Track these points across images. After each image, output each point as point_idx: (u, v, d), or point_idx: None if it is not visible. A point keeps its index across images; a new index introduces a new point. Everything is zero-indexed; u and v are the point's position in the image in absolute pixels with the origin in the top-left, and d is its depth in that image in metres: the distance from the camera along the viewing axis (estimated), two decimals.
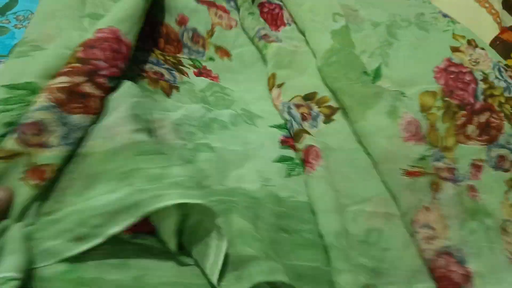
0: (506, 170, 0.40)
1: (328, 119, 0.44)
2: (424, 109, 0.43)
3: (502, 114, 0.43)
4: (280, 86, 0.46)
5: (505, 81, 0.45)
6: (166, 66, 0.44)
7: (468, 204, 0.37)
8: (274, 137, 0.42)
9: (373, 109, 0.41)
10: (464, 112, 0.42)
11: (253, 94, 0.47)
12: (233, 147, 0.39)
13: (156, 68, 0.43)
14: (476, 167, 0.40)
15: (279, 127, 0.43)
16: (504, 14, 0.56)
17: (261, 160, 0.39)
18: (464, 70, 0.45)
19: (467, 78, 0.45)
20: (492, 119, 0.42)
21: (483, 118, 0.42)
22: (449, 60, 0.46)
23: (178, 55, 0.48)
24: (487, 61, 0.47)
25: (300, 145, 0.40)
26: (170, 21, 0.50)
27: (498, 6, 0.55)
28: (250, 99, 0.46)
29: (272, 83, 0.47)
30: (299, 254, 0.33)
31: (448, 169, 0.39)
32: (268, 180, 0.37)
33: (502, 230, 0.36)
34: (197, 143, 0.38)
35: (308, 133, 0.41)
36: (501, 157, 0.40)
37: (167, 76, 0.43)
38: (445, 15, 0.53)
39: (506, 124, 0.42)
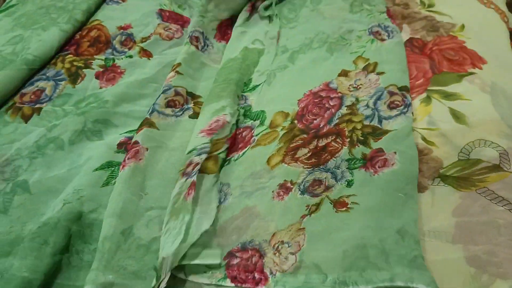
0: (316, 195, 0.37)
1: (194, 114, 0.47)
2: (272, 126, 0.44)
3: (347, 140, 0.40)
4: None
5: (375, 109, 0.41)
6: (59, 77, 0.50)
7: None
8: (112, 144, 0.43)
9: (208, 106, 0.45)
10: (304, 135, 0.41)
11: (141, 90, 0.50)
12: (55, 172, 0.41)
13: (42, 85, 0.50)
14: (285, 188, 0.38)
15: (129, 132, 0.44)
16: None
17: (81, 174, 0.41)
18: (332, 95, 0.44)
19: (331, 103, 0.43)
20: (332, 143, 0.40)
21: (323, 142, 0.41)
22: (327, 84, 0.45)
23: (96, 56, 0.52)
24: (371, 87, 0.43)
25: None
26: (111, 26, 0.55)
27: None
28: (132, 95, 0.49)
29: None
30: (73, 275, 0.35)
31: None
32: (78, 193, 0.39)
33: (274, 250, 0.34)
34: (17, 181, 0.41)
35: (153, 125, 0.44)
36: (317, 182, 0.38)
37: (46, 92, 0.49)
38: (372, 33, 0.50)
39: (345, 149, 0.39)
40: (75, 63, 0.51)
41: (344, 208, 0.35)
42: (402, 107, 0.40)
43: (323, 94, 0.44)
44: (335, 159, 0.39)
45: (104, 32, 0.55)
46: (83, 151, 0.43)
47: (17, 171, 0.42)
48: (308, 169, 0.39)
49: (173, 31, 0.56)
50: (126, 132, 0.44)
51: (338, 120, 0.41)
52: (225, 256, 0.34)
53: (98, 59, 0.52)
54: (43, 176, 0.41)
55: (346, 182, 0.37)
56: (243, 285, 0.32)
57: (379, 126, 0.39)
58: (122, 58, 0.53)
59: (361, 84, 0.44)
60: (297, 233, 0.34)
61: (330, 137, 0.40)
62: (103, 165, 0.41)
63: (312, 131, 0.41)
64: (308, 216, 0.36)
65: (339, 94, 0.43)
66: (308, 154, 0.40)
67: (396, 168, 0.36)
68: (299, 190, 0.37)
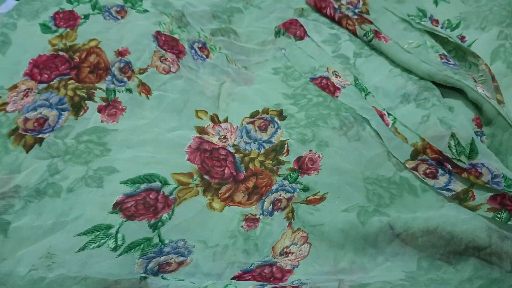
0: (284, 208, 0.47)
1: None
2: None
3: (267, 172, 0.50)
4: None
5: (255, 140, 0.53)
6: (63, 106, 0.53)
7: None
8: (108, 201, 0.45)
9: None
10: (228, 185, 0.49)
11: (144, 135, 0.52)
12: (41, 221, 0.43)
13: (45, 112, 0.52)
14: (250, 220, 0.47)
15: (132, 182, 0.48)
16: None
17: (62, 235, 0.43)
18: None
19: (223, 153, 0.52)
20: (260, 181, 0.50)
21: (250, 183, 0.49)
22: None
23: (97, 84, 0.55)
24: (233, 132, 0.54)
25: None
26: (109, 51, 0.57)
27: None
28: (136, 140, 0.51)
29: None
30: None
31: None
32: (50, 258, 0.41)
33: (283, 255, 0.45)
34: (4, 219, 0.43)
35: None
36: (277, 201, 0.48)
37: (49, 121, 0.52)
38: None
39: (276, 178, 0.50)
40: (78, 92, 0.54)
41: (319, 203, 0.47)
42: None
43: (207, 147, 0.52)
44: (274, 185, 0.49)
45: (103, 58, 0.58)
46: (76, 203, 0.45)
47: (7, 209, 0.44)
48: (259, 201, 0.48)
49: (169, 64, 0.59)
50: (127, 181, 0.48)
51: (243, 165, 0.50)
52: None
53: (100, 89, 0.55)
54: (27, 223, 0.43)
55: (301, 188, 0.49)
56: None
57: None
58: (122, 91, 0.56)
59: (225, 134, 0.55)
60: (293, 234, 0.45)
61: (251, 178, 0.50)
62: (88, 230, 0.43)
63: (230, 179, 0.50)
64: (292, 220, 0.46)
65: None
66: (246, 196, 0.48)
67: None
68: (267, 214, 0.47)
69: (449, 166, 0.47)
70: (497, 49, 0.60)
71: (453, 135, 0.48)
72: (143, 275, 0.41)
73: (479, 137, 0.50)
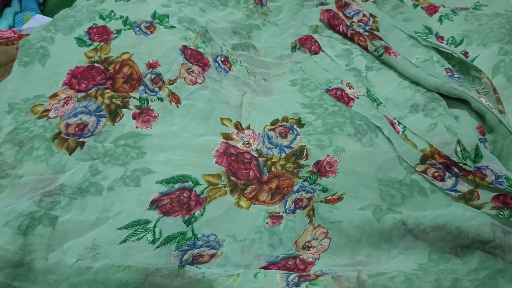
0: (305, 207, 0.52)
1: None
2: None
3: (288, 174, 0.55)
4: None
5: (276, 146, 0.58)
6: (100, 113, 0.58)
7: None
8: (145, 198, 0.49)
9: None
10: (252, 186, 0.54)
11: (176, 141, 0.57)
12: (85, 216, 0.47)
13: (85, 118, 0.57)
14: (274, 217, 0.51)
15: (166, 182, 0.52)
16: None
17: (105, 229, 0.46)
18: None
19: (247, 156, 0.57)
20: (282, 182, 0.54)
21: (273, 185, 0.54)
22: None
23: (131, 93, 0.59)
24: (256, 138, 0.59)
25: None
26: (140, 64, 0.62)
27: None
28: (169, 145, 0.56)
29: None
30: None
31: None
32: (95, 249, 0.44)
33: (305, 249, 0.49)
34: (49, 213, 0.47)
35: None
36: (299, 200, 0.52)
37: (88, 127, 0.57)
38: None
39: (296, 179, 0.55)
40: (114, 100, 0.59)
41: (337, 202, 0.51)
42: None
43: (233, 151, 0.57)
44: (296, 186, 0.53)
45: (135, 69, 0.63)
46: (117, 200, 0.50)
47: (54, 205, 0.48)
48: (281, 201, 0.52)
49: (195, 75, 0.64)
50: (162, 181, 0.52)
51: (265, 168, 0.55)
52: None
53: (134, 97, 0.60)
54: (73, 218, 0.47)
55: (320, 189, 0.53)
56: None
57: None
58: (154, 100, 0.60)
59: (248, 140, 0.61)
60: (314, 230, 0.49)
61: (273, 180, 0.54)
62: (128, 224, 0.47)
63: (255, 180, 0.54)
64: (313, 217, 0.50)
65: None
66: (270, 196, 0.53)
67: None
68: (289, 212, 0.52)
69: (456, 170, 0.52)
70: (498, 64, 0.66)
71: (459, 142, 0.52)
72: (180, 264, 0.45)
73: (483, 143, 0.55)
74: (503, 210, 0.47)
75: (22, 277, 0.43)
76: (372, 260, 0.47)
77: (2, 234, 0.44)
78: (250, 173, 0.55)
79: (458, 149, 0.52)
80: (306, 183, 0.54)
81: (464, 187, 0.51)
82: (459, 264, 0.44)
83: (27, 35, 0.70)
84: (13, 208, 0.47)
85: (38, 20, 0.88)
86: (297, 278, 0.43)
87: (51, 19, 0.71)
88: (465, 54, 0.70)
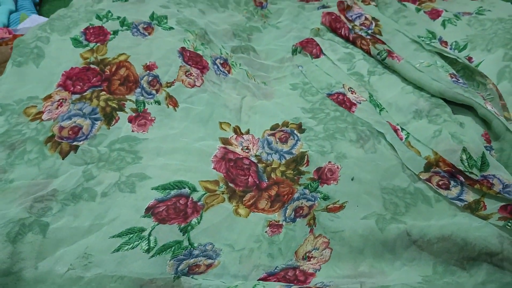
0: (306, 215, 0.50)
1: None
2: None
3: (288, 181, 0.53)
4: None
5: (276, 151, 0.56)
6: (96, 116, 0.56)
7: None
8: (141, 204, 0.48)
9: None
10: (251, 193, 0.52)
11: (174, 144, 0.55)
12: (78, 223, 0.46)
13: (79, 121, 0.55)
14: (273, 226, 0.50)
15: (162, 188, 0.50)
16: None
17: (98, 236, 0.45)
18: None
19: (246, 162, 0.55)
20: (282, 189, 0.52)
21: (272, 192, 0.52)
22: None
23: (127, 96, 0.58)
24: (255, 143, 0.57)
25: None
26: (137, 65, 0.60)
27: None
28: (166, 149, 0.54)
29: None
30: None
31: None
32: (87, 258, 0.43)
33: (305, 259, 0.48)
34: (40, 220, 0.45)
35: None
36: (299, 208, 0.51)
37: (83, 130, 0.55)
38: None
39: (297, 187, 0.53)
40: (109, 103, 0.57)
41: (339, 210, 0.50)
42: None
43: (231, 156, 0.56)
44: (296, 194, 0.51)
45: (132, 72, 0.61)
46: (112, 206, 0.48)
47: (45, 211, 0.47)
48: (281, 209, 0.51)
49: (194, 78, 0.63)
50: (158, 187, 0.50)
51: (265, 174, 0.54)
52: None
53: (130, 100, 0.58)
54: (65, 225, 0.46)
55: (321, 196, 0.51)
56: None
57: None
58: (151, 103, 0.59)
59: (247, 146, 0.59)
60: (315, 240, 0.48)
61: (273, 187, 0.52)
62: (122, 232, 0.46)
63: (254, 187, 0.52)
64: (314, 226, 0.49)
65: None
66: (269, 203, 0.51)
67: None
68: (289, 220, 0.50)
69: (461, 178, 0.50)
70: (503, 70, 0.64)
71: (464, 150, 0.51)
72: (175, 275, 0.44)
73: (489, 151, 0.53)
74: (511, 220, 0.45)
75: (10, 287, 0.41)
76: (375, 272, 0.45)
77: None
78: (249, 180, 0.53)
79: (464, 157, 0.50)
80: (306, 191, 0.52)
81: (469, 197, 0.50)
82: (465, 277, 0.42)
83: (22, 35, 0.68)
84: (2, 214, 0.45)
85: (34, 20, 0.86)
86: None
87: (47, 19, 0.69)
88: (469, 59, 0.69)
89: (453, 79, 0.61)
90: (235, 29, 0.75)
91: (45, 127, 0.55)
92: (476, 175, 0.49)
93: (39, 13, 0.92)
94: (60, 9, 0.70)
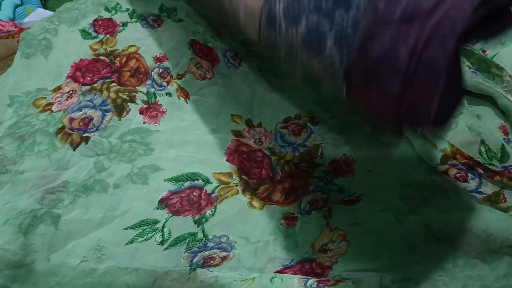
0: (321, 208, 0.49)
1: None
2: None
3: (302, 174, 0.52)
4: None
5: (289, 144, 0.55)
6: (106, 107, 0.55)
7: None
8: (154, 197, 0.47)
9: None
10: (265, 186, 0.51)
11: (185, 136, 0.55)
12: (90, 215, 0.45)
13: (90, 113, 0.54)
14: (289, 218, 0.49)
15: (176, 180, 0.50)
16: None
17: (111, 228, 0.44)
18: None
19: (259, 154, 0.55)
20: (296, 182, 0.51)
21: (286, 184, 0.51)
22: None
23: (138, 87, 0.57)
24: (268, 136, 0.56)
25: None
26: (148, 57, 0.60)
27: None
28: (178, 141, 0.53)
29: None
30: None
31: None
32: (100, 251, 0.42)
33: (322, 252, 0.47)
34: (51, 212, 0.44)
35: None
36: (314, 201, 0.50)
37: (93, 121, 0.53)
38: None
39: (311, 179, 0.52)
40: (120, 94, 0.56)
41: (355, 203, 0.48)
42: None
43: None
44: (311, 186, 0.51)
45: (142, 63, 0.60)
46: (124, 198, 0.47)
47: (57, 203, 0.46)
48: (296, 201, 0.50)
49: (204, 70, 0.62)
50: (171, 179, 0.50)
51: (278, 167, 0.53)
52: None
53: (141, 92, 0.57)
54: (77, 217, 0.45)
55: (337, 189, 0.50)
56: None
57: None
58: (162, 95, 0.58)
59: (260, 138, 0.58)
60: (331, 232, 0.47)
61: (287, 179, 0.51)
62: (136, 224, 0.45)
63: (268, 179, 0.51)
64: (330, 219, 0.48)
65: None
66: (284, 196, 0.50)
67: None
68: (304, 213, 0.49)
69: (480, 170, 0.50)
70: None
71: (482, 142, 0.50)
72: (190, 267, 0.43)
73: (507, 143, 0.52)
74: None
75: (22, 279, 0.40)
76: (393, 265, 0.44)
77: (2, 233, 0.41)
78: (263, 172, 0.52)
79: (483, 149, 0.49)
80: (321, 183, 0.51)
81: (488, 189, 0.49)
82: (487, 270, 0.42)
83: (28, 28, 0.67)
84: (13, 206, 0.44)
85: (39, 14, 0.85)
86: (316, 283, 0.40)
87: (52, 13, 0.68)
88: (483, 52, 0.68)
89: (471, 69, 0.60)
90: None
91: (55, 119, 0.54)
92: (497, 167, 0.48)
93: (45, 7, 0.91)
94: (66, 3, 0.69)
